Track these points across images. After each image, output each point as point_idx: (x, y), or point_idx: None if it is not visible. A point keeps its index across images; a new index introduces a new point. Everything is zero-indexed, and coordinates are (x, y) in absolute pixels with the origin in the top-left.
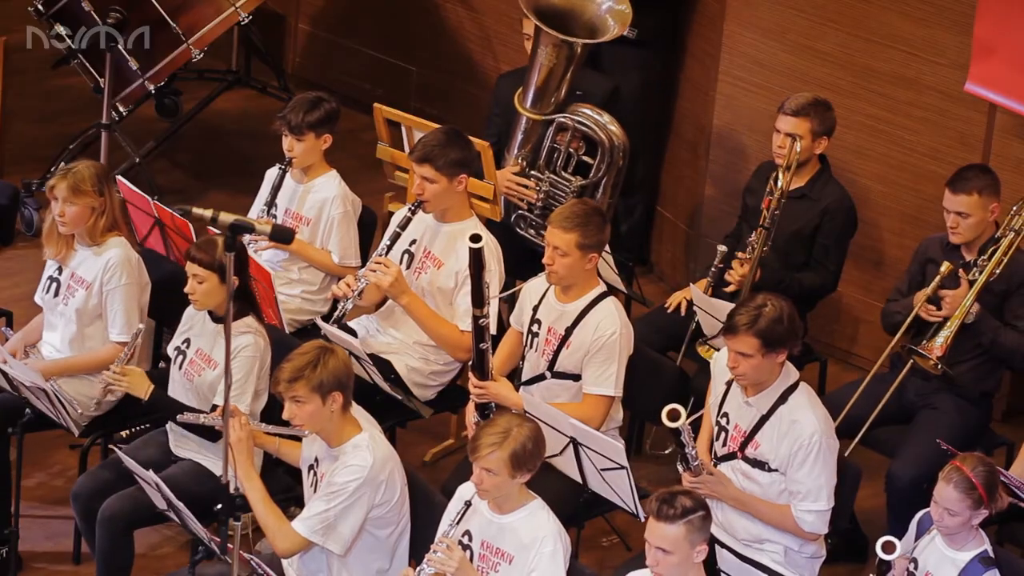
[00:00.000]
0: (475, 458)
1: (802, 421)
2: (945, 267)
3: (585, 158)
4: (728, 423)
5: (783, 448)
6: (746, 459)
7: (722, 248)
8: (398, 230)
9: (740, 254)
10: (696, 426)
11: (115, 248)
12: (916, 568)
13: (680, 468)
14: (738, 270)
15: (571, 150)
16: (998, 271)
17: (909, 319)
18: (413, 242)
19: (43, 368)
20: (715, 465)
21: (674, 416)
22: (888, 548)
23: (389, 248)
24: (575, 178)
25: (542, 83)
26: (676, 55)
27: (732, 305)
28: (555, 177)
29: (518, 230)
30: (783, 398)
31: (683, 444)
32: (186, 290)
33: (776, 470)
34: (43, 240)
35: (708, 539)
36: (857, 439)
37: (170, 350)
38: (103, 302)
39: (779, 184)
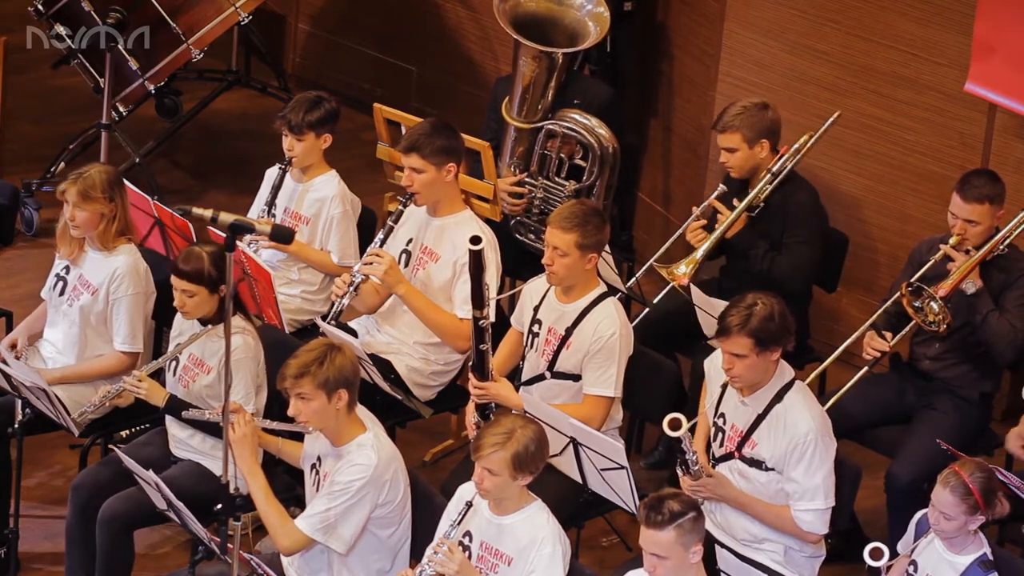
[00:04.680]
0: (477, 457)
1: (798, 419)
2: (954, 239)
3: (579, 162)
4: (725, 423)
5: (779, 447)
6: (743, 459)
7: (722, 187)
8: (391, 223)
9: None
10: (694, 428)
11: (124, 256)
12: (916, 570)
13: (679, 473)
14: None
15: (562, 155)
16: (1003, 247)
17: (917, 276)
18: (410, 241)
19: (47, 377)
20: (713, 466)
21: (675, 425)
22: (876, 554)
23: (383, 242)
24: (569, 182)
25: (526, 92)
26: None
27: None
28: (548, 183)
29: (517, 236)
30: (779, 397)
31: (684, 451)
32: (175, 304)
33: (773, 469)
34: (56, 240)
35: (703, 539)
36: (829, 404)
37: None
38: (108, 310)
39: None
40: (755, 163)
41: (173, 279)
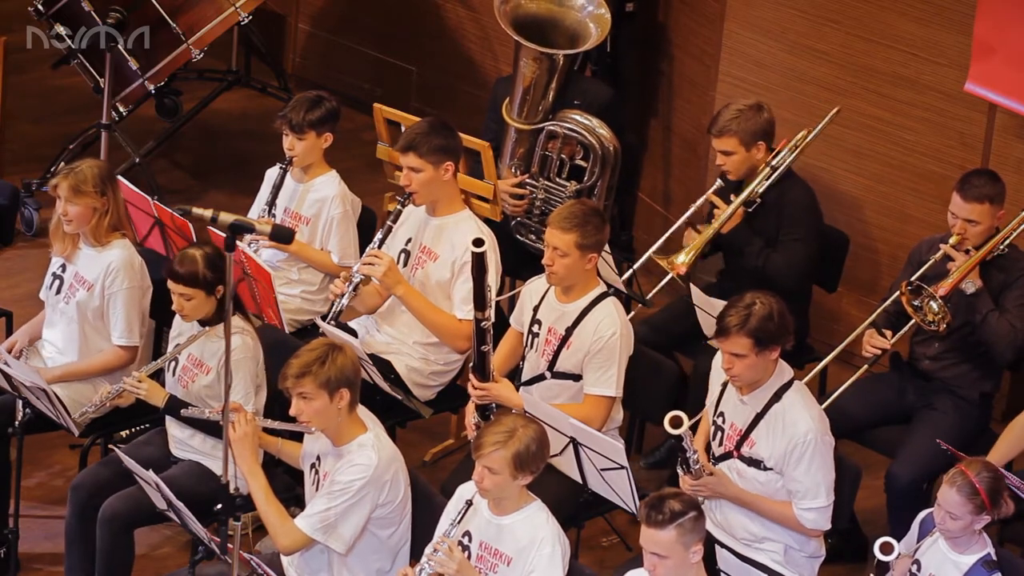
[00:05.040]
0: (478, 455)
1: (796, 419)
2: (954, 239)
3: (580, 162)
4: (724, 422)
5: (778, 446)
6: (742, 458)
7: (720, 183)
8: (390, 224)
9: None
10: (695, 427)
11: (117, 251)
12: (919, 569)
13: (680, 472)
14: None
15: (563, 156)
16: (1003, 247)
17: (917, 275)
18: (409, 240)
19: (47, 376)
20: (712, 465)
21: (676, 423)
22: (886, 549)
23: (381, 242)
24: (570, 183)
25: (527, 94)
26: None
27: None
28: (549, 184)
29: (518, 236)
30: (777, 396)
31: (684, 449)
32: (173, 308)
33: (771, 469)
34: (50, 237)
35: (703, 539)
36: (829, 401)
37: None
38: (104, 305)
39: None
40: (752, 164)
41: (169, 283)
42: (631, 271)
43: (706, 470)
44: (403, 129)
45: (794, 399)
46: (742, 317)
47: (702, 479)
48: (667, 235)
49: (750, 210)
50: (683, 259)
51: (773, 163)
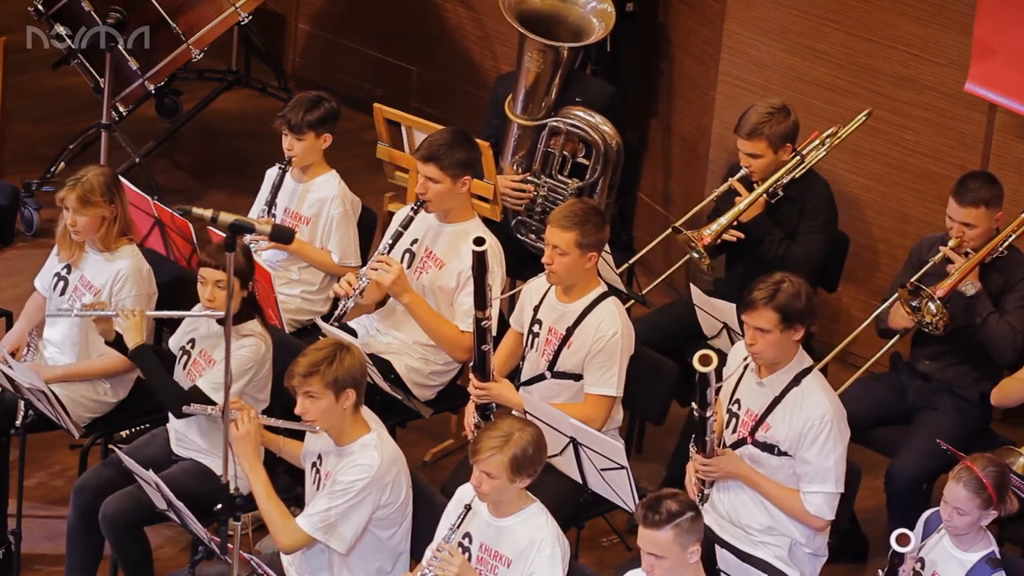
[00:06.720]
0: (475, 460)
1: (815, 402)
2: (953, 241)
3: (582, 160)
4: (740, 408)
5: (794, 428)
6: (756, 443)
7: (746, 169)
8: (400, 229)
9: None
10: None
11: (127, 258)
12: (923, 568)
13: (692, 450)
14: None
15: (565, 153)
16: (1002, 248)
17: (916, 276)
18: (415, 241)
19: (48, 375)
20: None
21: (706, 361)
22: (902, 540)
23: (391, 247)
24: (572, 180)
25: (530, 89)
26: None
27: (732, 306)
28: (551, 181)
29: (519, 236)
30: (796, 380)
31: (707, 401)
32: (206, 298)
33: (785, 453)
34: (56, 242)
35: (701, 539)
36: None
37: (174, 347)
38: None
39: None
40: (778, 166)
41: (206, 271)
42: (634, 260)
43: (718, 452)
44: (403, 129)
45: (813, 384)
46: (770, 291)
47: (713, 459)
48: (691, 213)
49: (772, 201)
50: (712, 229)
51: (803, 152)
